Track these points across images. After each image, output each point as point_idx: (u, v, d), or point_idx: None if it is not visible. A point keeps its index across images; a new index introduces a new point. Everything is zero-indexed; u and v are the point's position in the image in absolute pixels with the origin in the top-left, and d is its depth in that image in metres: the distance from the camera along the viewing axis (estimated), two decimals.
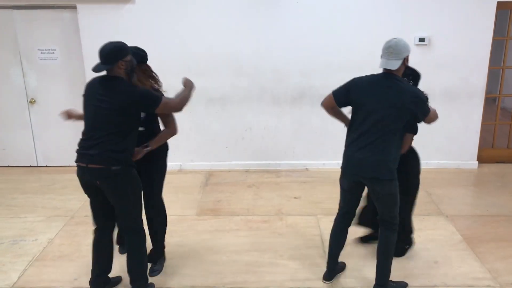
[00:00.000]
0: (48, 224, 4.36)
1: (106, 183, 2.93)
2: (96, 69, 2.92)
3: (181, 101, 3.12)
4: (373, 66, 5.56)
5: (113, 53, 2.92)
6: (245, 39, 5.44)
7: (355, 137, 3.08)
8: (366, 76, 3.13)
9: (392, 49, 2.99)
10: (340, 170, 3.22)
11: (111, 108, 2.88)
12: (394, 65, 2.98)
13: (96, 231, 3.22)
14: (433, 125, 5.41)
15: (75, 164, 3.00)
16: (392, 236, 3.18)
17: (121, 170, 2.91)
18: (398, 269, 3.54)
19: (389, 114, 2.95)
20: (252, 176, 5.65)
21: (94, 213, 3.16)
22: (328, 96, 3.19)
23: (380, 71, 3.08)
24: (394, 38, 3.05)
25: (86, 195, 3.12)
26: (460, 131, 5.71)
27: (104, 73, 2.97)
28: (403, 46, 2.99)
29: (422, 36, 5.32)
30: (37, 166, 6.01)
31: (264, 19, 5.38)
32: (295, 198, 4.96)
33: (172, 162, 5.78)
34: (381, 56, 3.07)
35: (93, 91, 2.99)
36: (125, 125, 2.93)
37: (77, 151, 2.97)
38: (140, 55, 3.23)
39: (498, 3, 5.24)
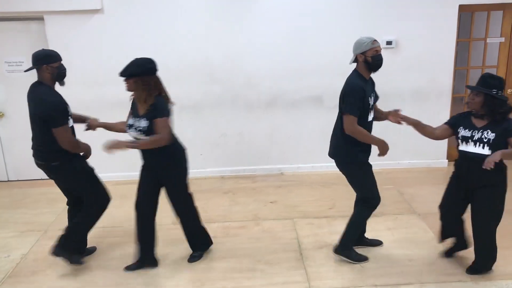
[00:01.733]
0: (21, 240, 4.28)
1: (51, 175, 3.54)
2: (26, 70, 3.46)
3: (67, 144, 3.35)
4: (342, 70, 5.64)
5: (39, 57, 3.36)
6: (216, 46, 5.46)
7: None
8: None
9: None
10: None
11: (33, 114, 3.35)
12: (350, 61, 3.49)
13: (67, 204, 3.79)
14: (404, 125, 5.53)
15: (47, 177, 3.55)
16: (361, 211, 3.64)
17: (60, 165, 3.41)
18: (375, 269, 3.61)
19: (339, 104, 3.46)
20: (228, 182, 5.66)
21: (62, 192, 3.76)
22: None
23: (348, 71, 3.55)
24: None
25: (59, 208, 3.63)
26: None
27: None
28: (354, 44, 3.44)
29: (389, 39, 5.44)
30: (8, 180, 5.89)
31: (235, 25, 5.42)
32: (271, 202, 4.99)
33: None
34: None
35: (28, 96, 3.42)
36: (48, 128, 3.29)
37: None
38: (146, 67, 3.36)
39: (460, 6, 5.41)
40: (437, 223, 4.33)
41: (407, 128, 5.68)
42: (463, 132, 3.23)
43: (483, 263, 3.48)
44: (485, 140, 3.11)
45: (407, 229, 4.27)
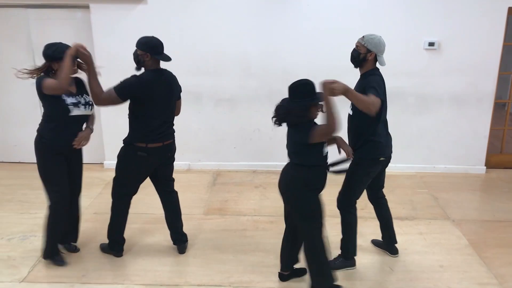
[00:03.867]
0: None
1: (169, 153, 3.72)
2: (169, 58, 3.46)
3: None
4: (380, 69, 5.57)
5: None
6: (254, 40, 5.47)
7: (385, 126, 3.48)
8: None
9: None
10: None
11: (174, 96, 3.63)
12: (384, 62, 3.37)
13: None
14: (442, 129, 5.41)
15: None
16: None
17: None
18: (404, 272, 3.57)
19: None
20: (259, 176, 5.68)
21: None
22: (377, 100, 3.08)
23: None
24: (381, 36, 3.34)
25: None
26: (468, 135, 5.70)
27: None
28: (374, 41, 3.37)
29: (432, 40, 5.32)
30: None
31: (273, 20, 5.41)
32: None
33: (181, 162, 5.86)
34: (381, 55, 3.33)
35: (162, 81, 3.49)
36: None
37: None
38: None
39: (510, 8, 5.23)
40: (471, 230, 4.26)
41: (443, 132, 5.59)
42: None
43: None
44: None
45: (439, 235, 4.18)
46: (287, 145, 3.14)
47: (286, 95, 3.09)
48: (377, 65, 3.37)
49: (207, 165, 5.93)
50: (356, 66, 3.41)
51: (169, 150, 3.65)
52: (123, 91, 3.30)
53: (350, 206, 3.52)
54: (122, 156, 3.54)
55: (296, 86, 2.98)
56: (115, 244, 3.79)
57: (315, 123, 2.99)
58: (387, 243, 3.82)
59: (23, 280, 3.46)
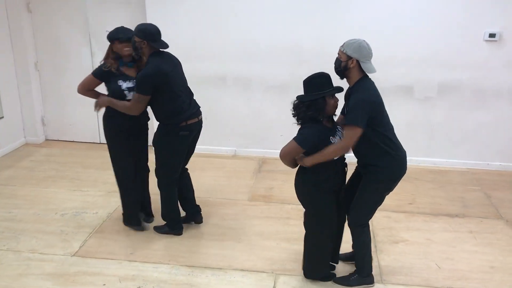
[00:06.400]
0: (108, 199, 4.56)
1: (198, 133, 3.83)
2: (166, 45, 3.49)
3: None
4: (436, 61, 5.38)
5: None
6: (307, 28, 5.38)
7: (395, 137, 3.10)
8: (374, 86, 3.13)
9: None
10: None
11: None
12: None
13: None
14: (499, 125, 5.18)
15: None
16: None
17: None
18: (451, 271, 3.47)
19: None
20: None
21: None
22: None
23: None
24: (364, 40, 3.01)
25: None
26: None
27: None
28: (353, 46, 3.01)
29: (492, 31, 5.06)
30: (100, 143, 6.27)
31: (327, 9, 5.29)
32: None
33: (227, 147, 5.91)
34: (366, 61, 2.98)
35: (172, 63, 3.58)
36: None
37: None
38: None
39: None
40: None
41: (502, 127, 5.34)
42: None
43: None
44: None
45: (491, 235, 4.02)
46: None
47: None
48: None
49: (253, 152, 5.94)
50: (341, 78, 3.05)
51: (201, 125, 3.77)
52: (144, 88, 3.39)
53: (364, 224, 3.21)
54: (164, 143, 3.61)
55: (310, 79, 2.99)
56: (175, 224, 3.90)
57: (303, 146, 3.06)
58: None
59: (75, 254, 3.61)
